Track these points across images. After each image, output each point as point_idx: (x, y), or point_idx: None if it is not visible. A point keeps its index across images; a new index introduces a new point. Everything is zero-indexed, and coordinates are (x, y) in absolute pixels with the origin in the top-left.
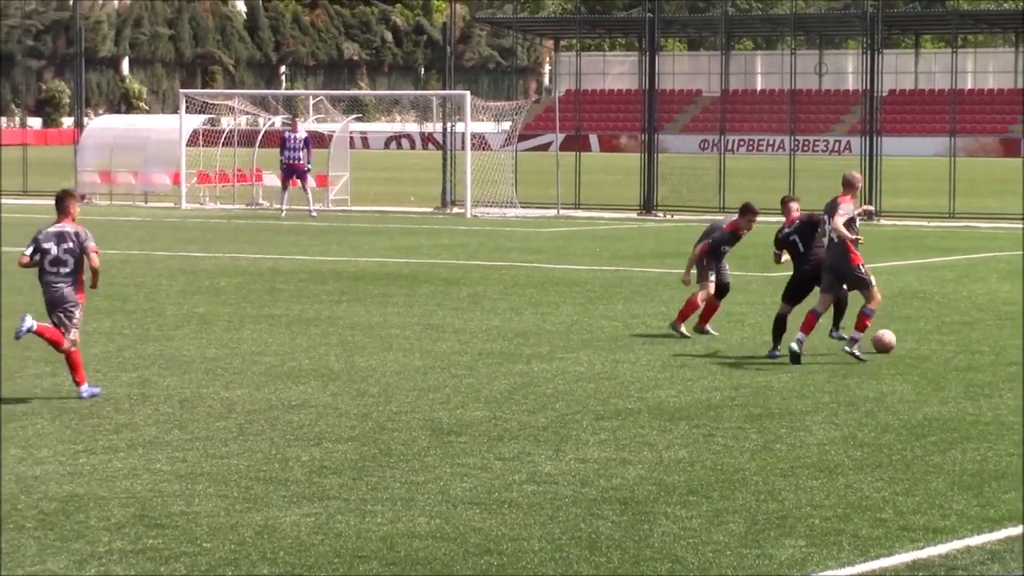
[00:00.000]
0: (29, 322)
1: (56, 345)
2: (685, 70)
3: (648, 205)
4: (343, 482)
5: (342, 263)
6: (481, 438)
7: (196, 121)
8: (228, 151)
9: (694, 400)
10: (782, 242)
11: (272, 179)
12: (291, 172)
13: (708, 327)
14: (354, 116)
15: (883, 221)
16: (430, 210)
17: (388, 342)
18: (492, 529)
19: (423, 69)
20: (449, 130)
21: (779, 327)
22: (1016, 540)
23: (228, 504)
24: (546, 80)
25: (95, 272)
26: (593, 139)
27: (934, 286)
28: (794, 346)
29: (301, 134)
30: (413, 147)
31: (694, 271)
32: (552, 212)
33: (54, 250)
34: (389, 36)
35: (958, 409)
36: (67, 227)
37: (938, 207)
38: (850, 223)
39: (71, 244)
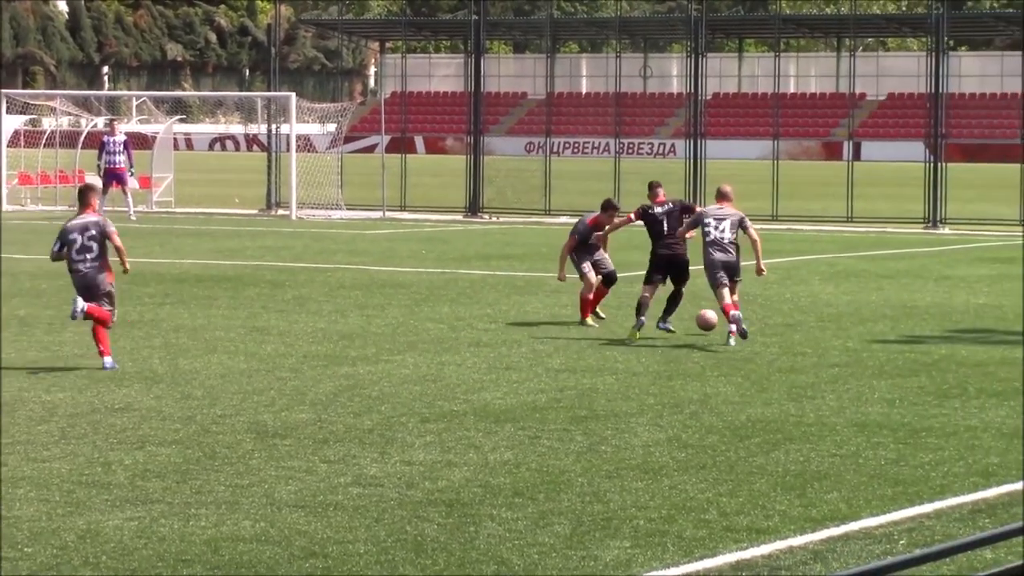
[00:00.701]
0: (80, 304)
1: (104, 323)
2: (511, 72)
3: (474, 207)
4: (167, 485)
5: (165, 265)
6: (306, 441)
7: (17, 122)
8: (50, 152)
9: (520, 402)
10: (647, 216)
11: (94, 180)
12: (111, 176)
13: (591, 318)
14: (178, 117)
15: None
16: (255, 212)
17: (212, 344)
18: (317, 532)
19: (248, 70)
20: (274, 132)
21: (640, 311)
22: (837, 540)
23: (50, 508)
24: (371, 82)
25: (120, 252)
26: (419, 141)
27: (757, 288)
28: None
29: (120, 137)
30: (238, 149)
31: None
32: (378, 214)
33: (80, 240)
34: (213, 37)
35: (781, 410)
36: (89, 217)
37: (761, 210)
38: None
39: (94, 232)
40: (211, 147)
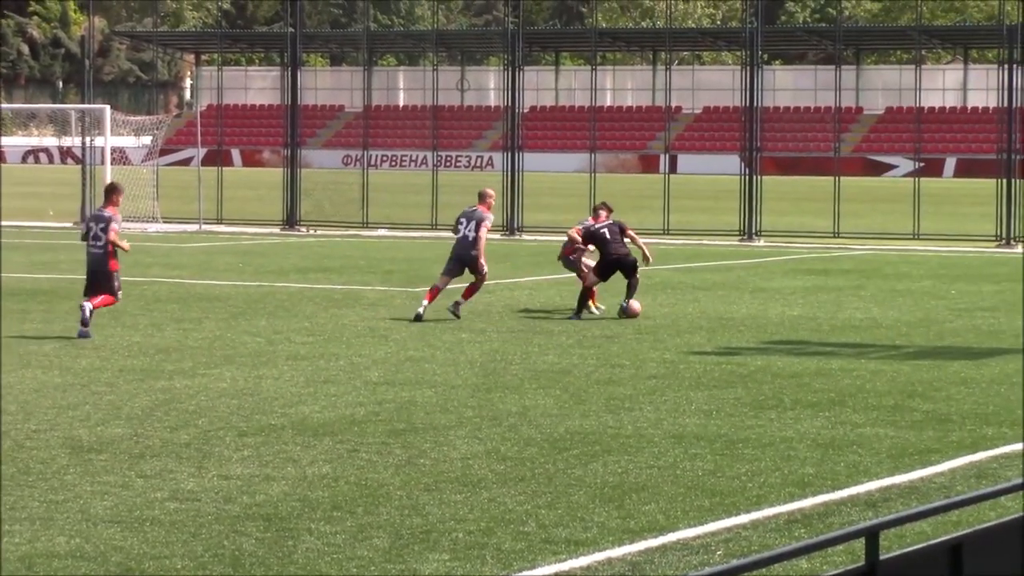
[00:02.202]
0: (87, 307)
1: (109, 305)
2: (327, 85)
3: (291, 220)
4: None
5: None
6: (122, 456)
7: None
8: None
9: (338, 415)
10: (593, 235)
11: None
12: None
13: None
14: None
15: (525, 236)
16: (69, 225)
17: (26, 359)
18: (134, 547)
19: (61, 83)
20: (88, 144)
21: (584, 298)
22: (655, 551)
23: None
24: (187, 94)
25: (112, 243)
26: (235, 154)
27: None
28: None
29: None
30: (52, 161)
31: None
32: (194, 227)
33: (93, 228)
34: (26, 49)
35: (599, 422)
36: (105, 212)
37: (578, 222)
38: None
39: (104, 224)
40: (24, 160)
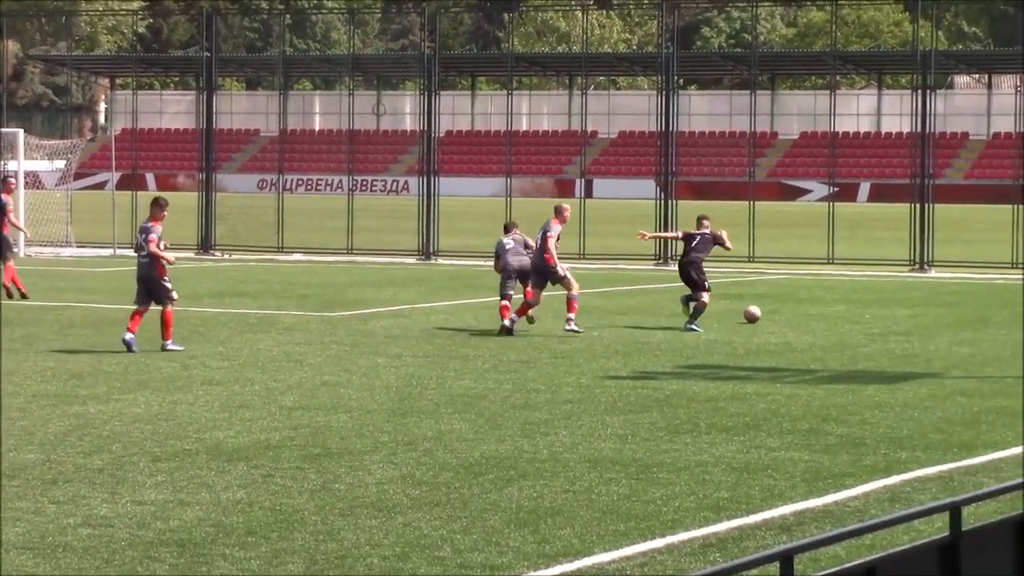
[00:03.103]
0: (128, 337)
1: (170, 320)
2: (243, 109)
3: (206, 244)
4: None
5: None
6: (35, 481)
7: None
8: None
9: (253, 440)
10: (689, 236)
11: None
12: None
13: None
14: None
15: (440, 260)
16: None
17: None
18: (46, 574)
19: None
20: (1, 168)
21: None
22: (573, 575)
23: None
24: (102, 118)
25: (153, 255)
26: (150, 178)
27: (491, 324)
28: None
29: None
30: None
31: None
32: (109, 251)
33: (139, 239)
34: None
35: (515, 447)
36: (149, 224)
37: (492, 247)
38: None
39: (144, 235)
40: None
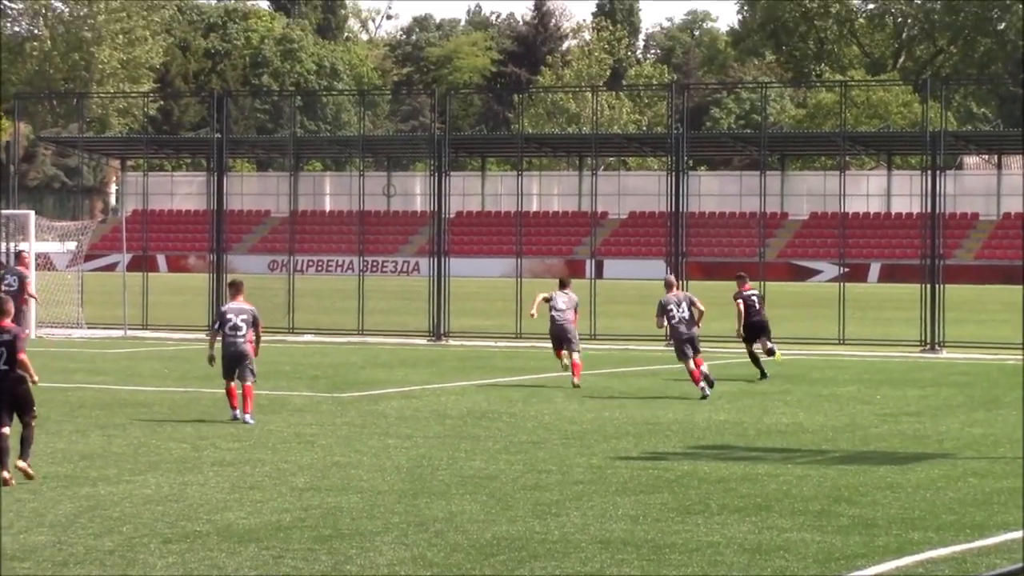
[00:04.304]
0: (237, 415)
1: (243, 397)
2: (254, 191)
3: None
4: None
5: None
6: (46, 563)
7: None
8: None
9: (264, 522)
10: (745, 299)
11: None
12: None
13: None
14: None
15: (451, 342)
16: None
17: None
18: None
19: None
20: (12, 250)
21: (753, 359)
22: None
23: None
24: (113, 200)
25: (259, 338)
26: (161, 259)
27: (502, 406)
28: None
29: None
30: None
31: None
32: (119, 332)
33: (234, 319)
34: None
35: (526, 528)
36: (243, 305)
37: (504, 327)
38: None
39: (246, 316)
40: None
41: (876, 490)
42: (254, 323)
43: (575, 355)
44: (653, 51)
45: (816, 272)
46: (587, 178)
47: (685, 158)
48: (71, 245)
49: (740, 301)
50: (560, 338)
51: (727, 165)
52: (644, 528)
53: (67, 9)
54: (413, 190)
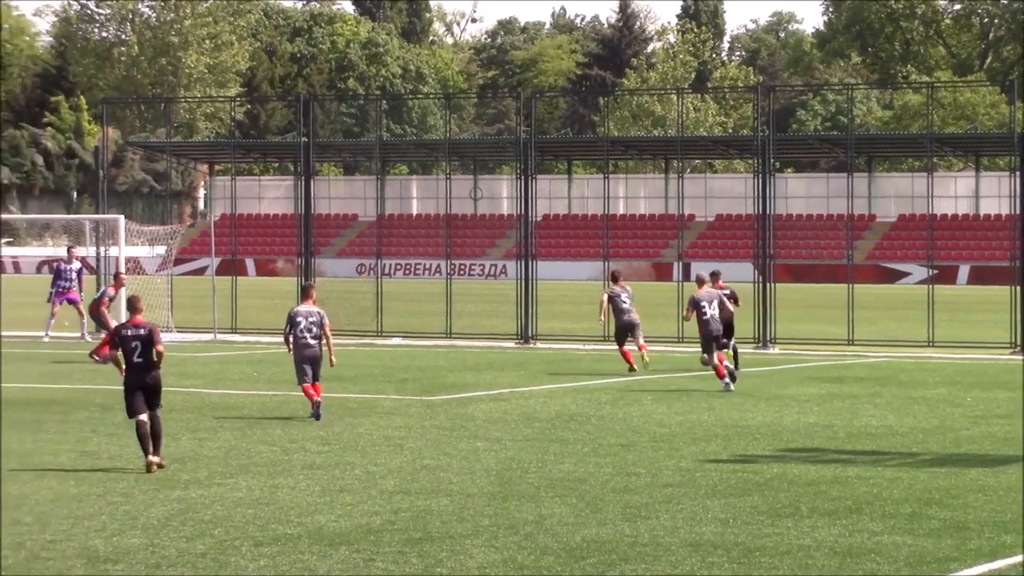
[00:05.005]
0: (315, 412)
1: (314, 394)
2: (341, 194)
3: None
4: None
5: None
6: (138, 566)
7: None
8: None
9: (354, 525)
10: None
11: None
12: (65, 301)
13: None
14: (5, 240)
15: (539, 345)
16: (78, 336)
17: (41, 469)
18: None
19: (75, 193)
20: (103, 254)
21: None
22: None
23: None
24: (201, 204)
25: (328, 338)
26: (249, 263)
27: (590, 408)
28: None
29: (75, 264)
30: None
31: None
32: (209, 336)
33: (304, 322)
34: (40, 160)
35: (616, 531)
36: (312, 307)
37: (592, 330)
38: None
39: (316, 319)
40: (39, 270)
41: (968, 493)
42: (322, 324)
43: (640, 339)
44: (738, 53)
45: (904, 274)
46: (673, 181)
47: (771, 160)
48: (160, 249)
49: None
50: (629, 330)
51: (814, 167)
52: (734, 531)
53: (154, 14)
54: (499, 193)
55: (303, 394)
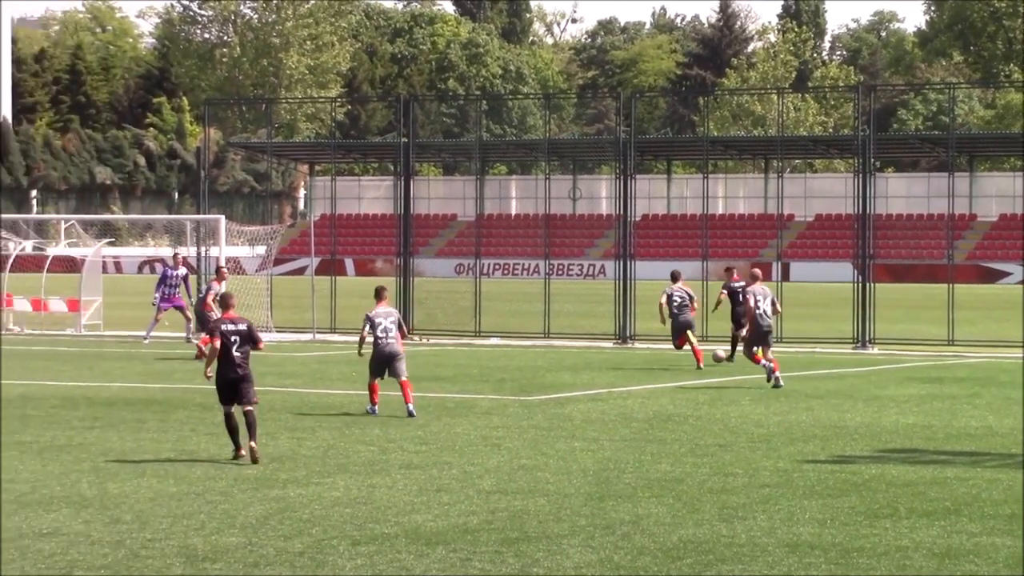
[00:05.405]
0: (375, 410)
1: (403, 389)
2: (440, 194)
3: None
4: None
5: (94, 388)
6: (237, 564)
7: None
8: None
9: (451, 524)
10: (731, 289)
11: (23, 304)
12: (171, 307)
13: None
14: (107, 240)
15: (638, 345)
16: (184, 335)
17: (142, 468)
18: None
19: (177, 193)
20: (204, 254)
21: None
22: None
23: None
24: (301, 204)
25: (405, 337)
26: (348, 263)
27: (688, 409)
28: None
29: (181, 271)
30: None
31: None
32: (308, 336)
33: (384, 323)
34: (142, 160)
35: (713, 531)
36: (389, 308)
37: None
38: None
39: (394, 319)
40: (140, 270)
41: None
42: (399, 325)
43: (694, 340)
44: (839, 52)
45: (1006, 274)
46: (773, 180)
47: (872, 160)
48: (260, 249)
49: (725, 292)
50: (685, 329)
51: (914, 167)
52: (832, 532)
53: (256, 15)
54: (598, 193)
55: (369, 391)
